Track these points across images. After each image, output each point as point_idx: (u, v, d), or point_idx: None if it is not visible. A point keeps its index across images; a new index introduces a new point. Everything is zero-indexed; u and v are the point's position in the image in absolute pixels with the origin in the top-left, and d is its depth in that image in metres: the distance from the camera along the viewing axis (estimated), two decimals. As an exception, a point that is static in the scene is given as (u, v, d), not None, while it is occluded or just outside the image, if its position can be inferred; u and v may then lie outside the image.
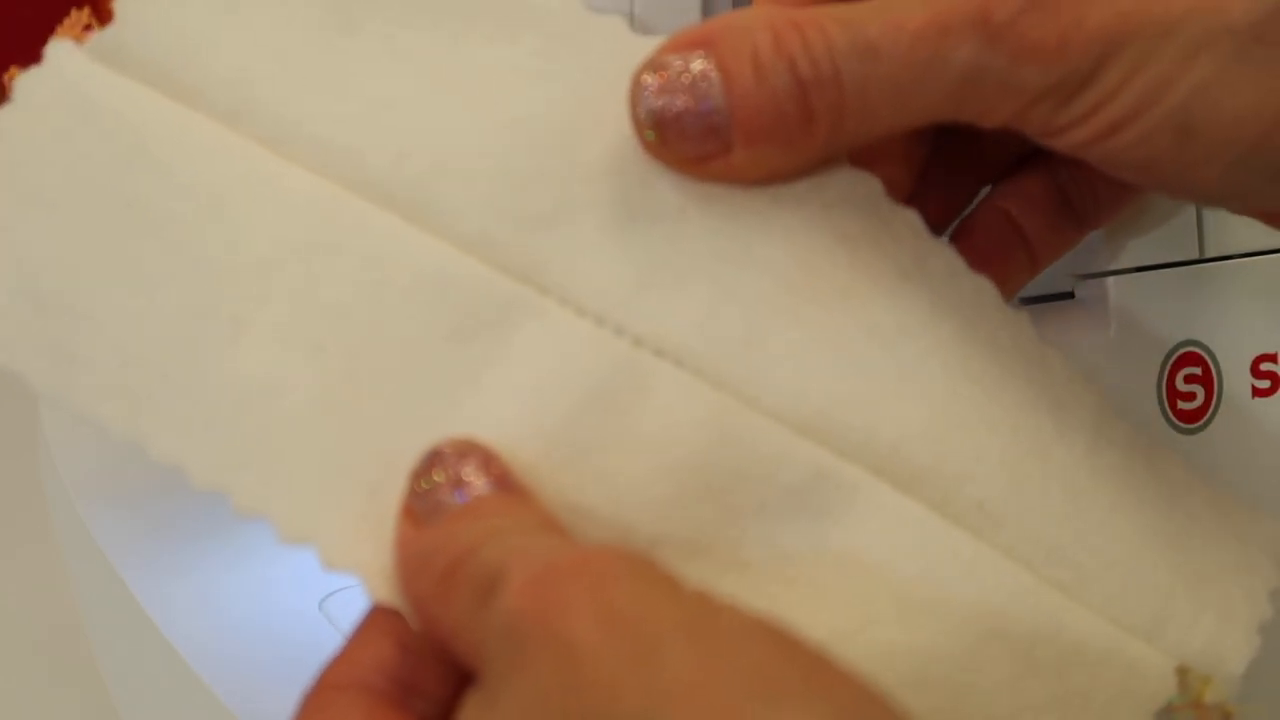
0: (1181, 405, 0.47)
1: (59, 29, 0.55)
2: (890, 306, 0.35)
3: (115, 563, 0.50)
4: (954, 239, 0.40)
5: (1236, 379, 0.47)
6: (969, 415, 0.34)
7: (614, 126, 0.35)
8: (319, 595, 0.49)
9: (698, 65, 0.33)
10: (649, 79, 0.34)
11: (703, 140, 0.34)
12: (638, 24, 0.37)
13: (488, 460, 0.33)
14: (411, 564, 0.32)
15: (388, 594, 0.32)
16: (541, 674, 0.28)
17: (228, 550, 0.51)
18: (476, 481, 0.32)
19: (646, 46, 0.35)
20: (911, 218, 0.36)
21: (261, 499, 0.33)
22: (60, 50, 0.35)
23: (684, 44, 0.34)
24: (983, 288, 0.36)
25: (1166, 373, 0.47)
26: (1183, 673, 0.34)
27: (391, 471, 0.33)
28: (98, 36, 0.36)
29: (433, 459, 0.33)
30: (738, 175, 0.34)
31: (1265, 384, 0.47)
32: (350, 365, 0.34)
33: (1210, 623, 0.35)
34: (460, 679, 0.32)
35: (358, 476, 0.33)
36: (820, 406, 0.34)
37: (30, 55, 0.36)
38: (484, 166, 0.35)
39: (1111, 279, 0.47)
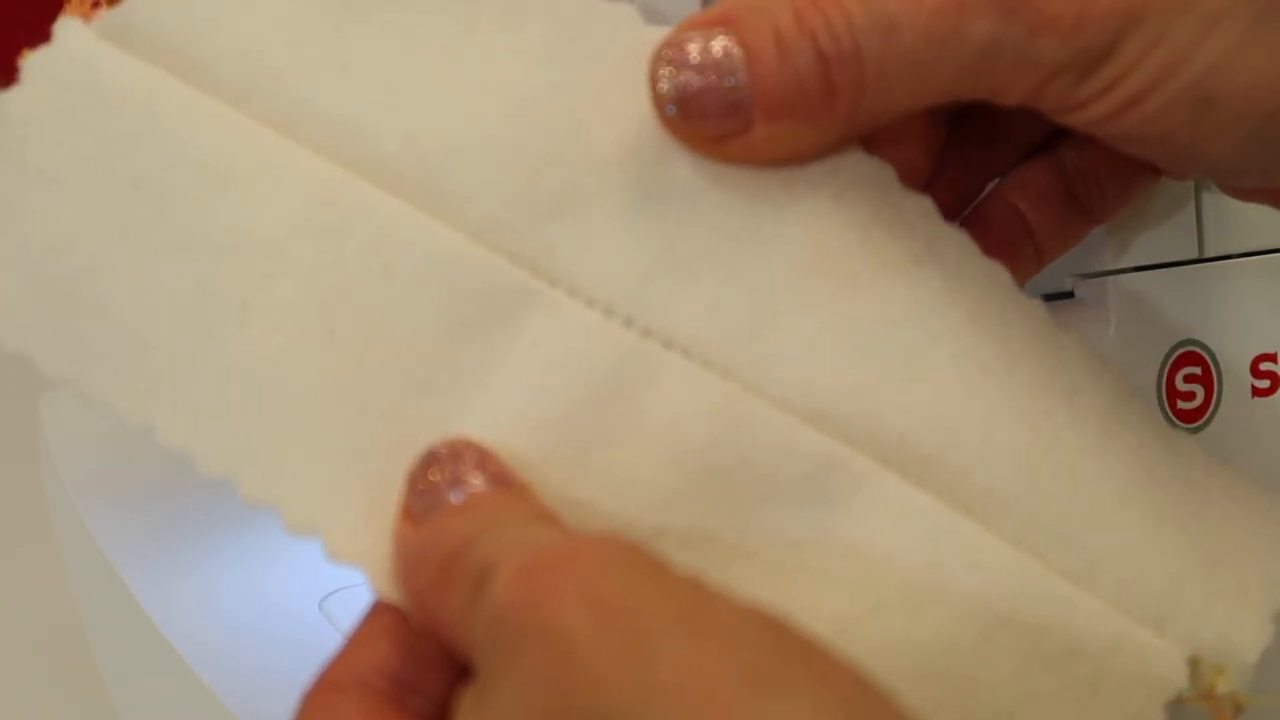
0: (1181, 405, 0.47)
1: (67, 7, 0.55)
2: (901, 292, 0.35)
3: (115, 563, 0.50)
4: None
5: (1236, 379, 0.47)
6: (978, 402, 0.34)
7: (626, 112, 0.35)
8: (319, 595, 0.49)
9: (719, 43, 0.33)
10: (670, 55, 0.34)
11: (723, 118, 0.34)
12: (639, 8, 0.37)
13: (484, 458, 0.33)
14: (410, 560, 0.32)
15: (391, 589, 0.32)
16: (532, 668, 0.28)
17: (228, 550, 0.51)
18: (473, 479, 0.32)
19: (657, 33, 0.35)
20: (924, 203, 0.36)
21: (269, 488, 0.33)
22: (68, 29, 0.35)
23: (704, 23, 0.34)
24: (995, 273, 0.36)
25: (1166, 372, 0.47)
26: (1194, 663, 0.34)
27: (399, 463, 0.33)
28: (106, 15, 0.36)
29: (429, 459, 0.33)
30: (756, 154, 0.34)
31: (1265, 384, 0.47)
32: (359, 351, 0.34)
33: (1223, 611, 0.34)
34: (459, 677, 0.32)
35: (365, 467, 0.33)
36: (828, 395, 0.34)
37: (38, 35, 0.36)
38: (494, 151, 0.35)
39: (1111, 279, 0.47)
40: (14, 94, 0.35)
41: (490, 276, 0.34)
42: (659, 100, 0.34)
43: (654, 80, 0.34)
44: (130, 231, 0.34)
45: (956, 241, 0.36)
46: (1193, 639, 0.34)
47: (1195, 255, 0.47)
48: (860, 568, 0.33)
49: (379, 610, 0.33)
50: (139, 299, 0.34)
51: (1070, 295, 0.48)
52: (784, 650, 0.27)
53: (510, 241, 0.34)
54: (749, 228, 0.35)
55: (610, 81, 0.35)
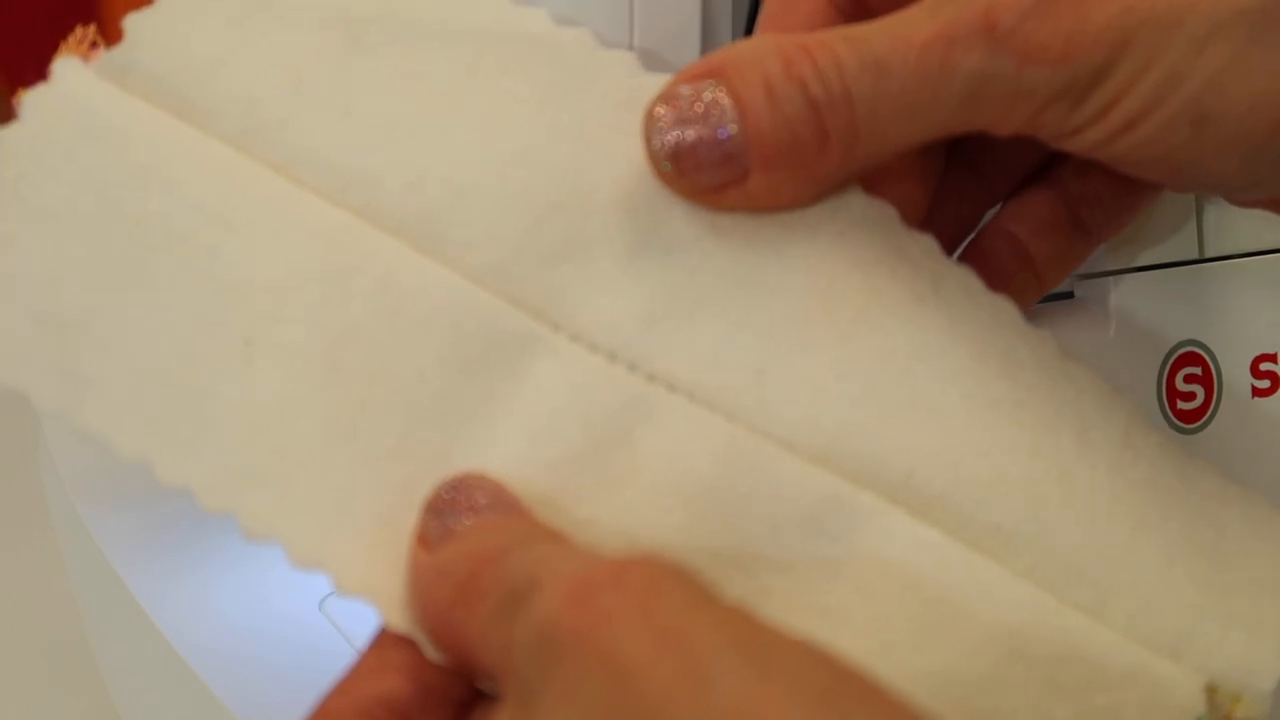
0: (1181, 405, 0.47)
1: (64, 45, 0.55)
2: (905, 332, 0.35)
3: (115, 563, 0.50)
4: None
5: (1236, 379, 0.47)
6: (986, 438, 0.34)
7: (626, 159, 0.35)
8: (319, 596, 0.49)
9: (710, 94, 0.34)
10: (662, 111, 0.34)
11: (719, 169, 0.34)
12: (637, 54, 0.37)
13: (499, 490, 0.33)
14: (426, 579, 0.32)
15: (402, 620, 0.32)
16: (586, 689, 0.27)
17: (228, 550, 0.51)
18: (487, 504, 0.32)
19: (657, 80, 0.35)
20: (927, 242, 0.36)
21: (272, 523, 0.33)
22: (67, 68, 0.35)
23: (695, 74, 0.34)
24: (1001, 307, 0.36)
25: (1166, 373, 0.47)
26: (1211, 690, 0.34)
27: (405, 500, 0.33)
28: (106, 55, 0.36)
29: (444, 491, 0.33)
30: (754, 203, 0.35)
31: (1265, 384, 0.47)
32: (365, 389, 0.34)
33: (1239, 639, 0.34)
34: (465, 713, 0.32)
35: (371, 502, 0.33)
36: (833, 435, 0.34)
37: (36, 73, 0.36)
38: (496, 197, 0.35)
39: (1111, 279, 0.47)
40: (12, 130, 0.35)
41: (494, 321, 0.34)
42: (654, 156, 0.34)
43: (648, 136, 0.34)
44: (131, 268, 0.34)
45: (961, 278, 0.36)
46: (1209, 667, 0.34)
47: (1195, 255, 0.47)
48: (872, 604, 0.33)
49: (383, 642, 0.32)
50: (139, 335, 0.33)
51: (1070, 295, 0.48)
52: (840, 680, 0.27)
53: (513, 287, 0.34)
54: (751, 272, 0.35)
55: (610, 129, 0.35)
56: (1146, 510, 0.35)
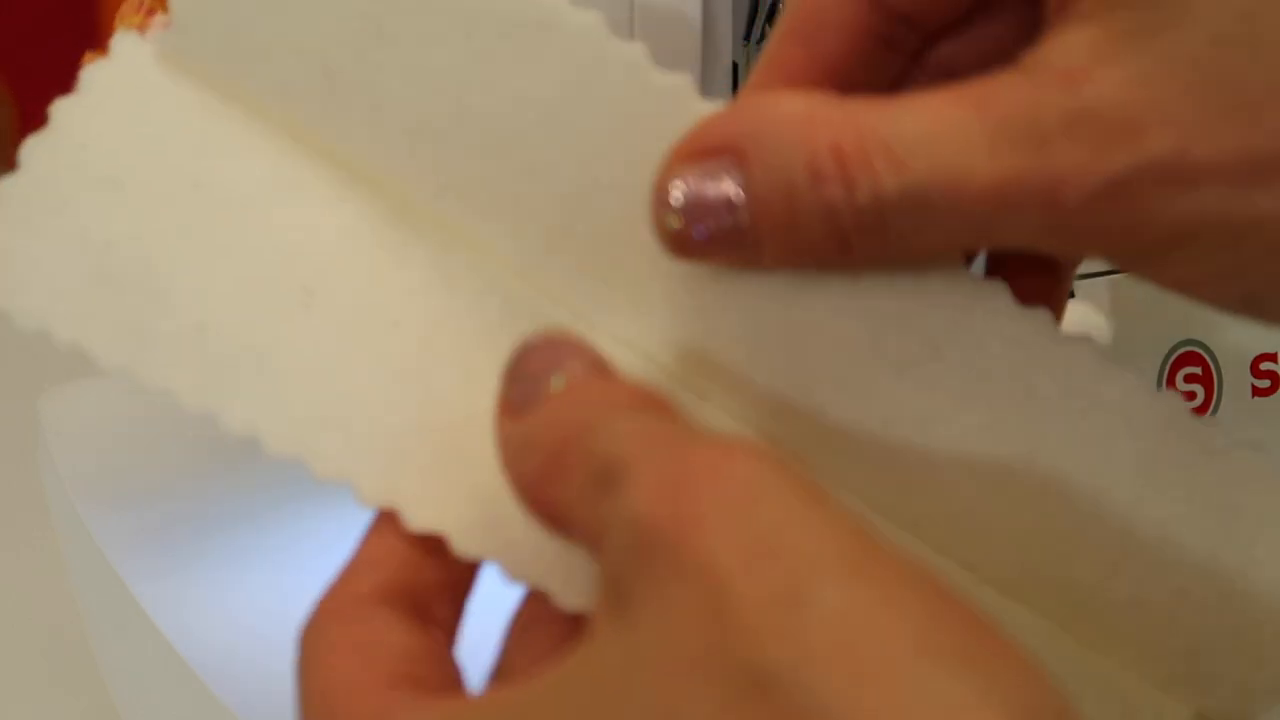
0: (1181, 405, 0.47)
1: (119, 14, 0.56)
2: (918, 388, 0.34)
3: (115, 563, 0.50)
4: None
5: (1236, 379, 0.47)
6: (993, 486, 0.34)
7: (643, 174, 0.35)
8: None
9: (724, 185, 0.31)
10: (674, 194, 0.31)
11: (730, 252, 0.32)
12: (637, 12, 0.36)
13: (581, 346, 0.31)
14: (512, 449, 0.30)
15: (477, 548, 0.32)
16: (680, 607, 0.25)
17: (227, 550, 0.51)
18: (573, 364, 0.30)
19: (672, 83, 0.34)
20: (955, 275, 0.34)
21: (341, 464, 0.33)
22: (126, 42, 0.36)
23: (712, 148, 0.31)
24: (1031, 330, 0.34)
25: (1166, 372, 0.47)
26: None
27: (467, 440, 0.33)
28: (158, 37, 0.36)
29: (525, 349, 0.31)
30: (770, 270, 0.33)
31: (1265, 384, 0.47)
32: (422, 343, 0.34)
33: (1238, 674, 0.35)
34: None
35: (439, 442, 0.33)
36: (851, 486, 0.34)
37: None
38: (524, 203, 0.35)
39: (1111, 279, 0.47)
40: (72, 101, 0.35)
41: (538, 307, 0.35)
42: (664, 239, 0.32)
43: (658, 220, 0.32)
44: (191, 226, 0.34)
45: (982, 317, 0.34)
46: (1201, 701, 0.35)
47: (1195, 255, 0.47)
48: None
49: (384, 519, 0.32)
50: (199, 289, 0.34)
51: (1070, 295, 0.48)
52: (956, 617, 0.24)
53: (548, 283, 0.35)
54: (774, 316, 0.34)
55: (625, 141, 0.35)
56: (1158, 556, 0.35)
